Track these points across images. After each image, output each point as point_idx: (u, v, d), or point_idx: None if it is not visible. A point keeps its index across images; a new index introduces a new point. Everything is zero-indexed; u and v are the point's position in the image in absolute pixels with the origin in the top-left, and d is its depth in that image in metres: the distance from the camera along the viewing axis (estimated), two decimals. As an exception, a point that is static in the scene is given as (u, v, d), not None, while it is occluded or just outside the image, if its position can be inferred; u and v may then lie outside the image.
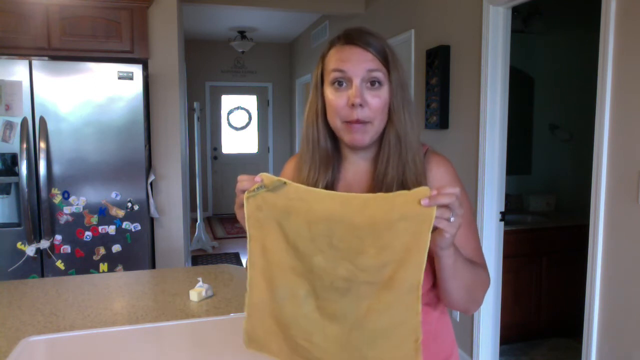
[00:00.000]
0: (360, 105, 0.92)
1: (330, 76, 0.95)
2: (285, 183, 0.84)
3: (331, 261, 0.82)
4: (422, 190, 0.76)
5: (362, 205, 0.79)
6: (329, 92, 0.96)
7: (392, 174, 0.95)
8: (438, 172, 0.99)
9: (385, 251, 0.78)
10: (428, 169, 0.98)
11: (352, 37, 0.95)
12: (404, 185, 0.94)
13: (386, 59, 0.94)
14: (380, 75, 0.93)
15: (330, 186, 1.01)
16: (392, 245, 0.78)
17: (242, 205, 0.87)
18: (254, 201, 0.83)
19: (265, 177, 0.84)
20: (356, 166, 1.03)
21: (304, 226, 0.82)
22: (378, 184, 0.97)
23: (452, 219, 0.78)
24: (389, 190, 0.93)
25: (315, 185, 0.99)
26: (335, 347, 0.84)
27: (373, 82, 0.93)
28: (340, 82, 0.94)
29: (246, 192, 0.85)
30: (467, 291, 0.93)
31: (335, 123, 0.96)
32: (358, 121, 0.93)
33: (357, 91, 0.92)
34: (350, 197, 0.81)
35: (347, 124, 0.94)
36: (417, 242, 0.76)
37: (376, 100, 0.93)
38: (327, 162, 1.01)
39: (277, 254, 0.85)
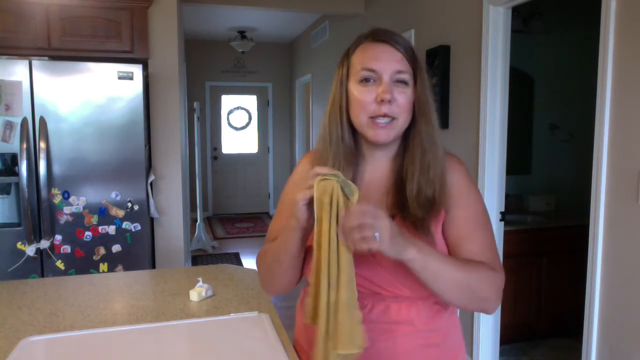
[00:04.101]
0: (389, 101, 0.93)
1: (358, 74, 0.96)
2: (354, 194, 0.85)
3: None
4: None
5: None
6: (355, 89, 0.96)
7: (418, 174, 0.96)
8: (452, 174, 0.99)
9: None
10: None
11: (382, 35, 0.96)
12: (427, 185, 0.95)
13: (414, 60, 0.96)
14: (407, 76, 0.95)
15: (352, 183, 1.02)
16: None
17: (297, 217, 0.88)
18: (323, 184, 0.84)
19: (342, 174, 0.86)
20: (375, 164, 1.03)
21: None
22: (398, 183, 0.98)
23: (376, 235, 0.79)
24: (419, 188, 0.95)
25: None
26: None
27: (400, 81, 0.95)
28: (367, 79, 0.95)
29: (320, 175, 0.85)
30: (464, 291, 0.92)
31: (360, 119, 0.97)
32: (385, 115, 0.94)
33: (387, 87, 0.93)
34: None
35: (372, 120, 0.95)
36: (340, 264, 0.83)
37: (403, 97, 0.95)
38: (351, 159, 1.01)
39: (327, 239, 0.85)
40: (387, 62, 0.94)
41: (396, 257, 0.84)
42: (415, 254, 0.85)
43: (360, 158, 1.03)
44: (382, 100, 0.93)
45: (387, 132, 0.95)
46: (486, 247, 0.99)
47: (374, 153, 1.02)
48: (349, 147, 1.01)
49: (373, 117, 0.95)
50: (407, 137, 1.00)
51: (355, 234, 0.79)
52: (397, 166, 1.01)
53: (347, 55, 1.00)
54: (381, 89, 0.93)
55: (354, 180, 1.02)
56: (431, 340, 0.99)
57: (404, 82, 0.95)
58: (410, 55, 0.96)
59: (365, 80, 0.95)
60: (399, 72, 0.94)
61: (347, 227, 0.80)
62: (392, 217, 0.96)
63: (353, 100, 0.97)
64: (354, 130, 1.00)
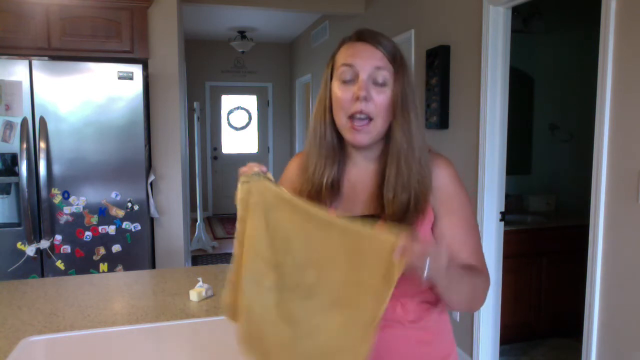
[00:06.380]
0: (365, 98, 0.93)
1: (339, 71, 0.97)
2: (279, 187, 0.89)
3: (301, 264, 0.85)
4: (390, 240, 0.76)
5: (340, 232, 0.81)
6: (336, 88, 0.98)
7: (399, 176, 0.96)
8: (440, 175, 0.99)
9: (354, 274, 0.80)
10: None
11: (364, 35, 0.98)
12: (409, 188, 0.95)
13: (395, 60, 0.96)
14: (386, 74, 0.95)
15: (336, 183, 1.02)
16: (361, 272, 0.79)
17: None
18: (247, 186, 0.89)
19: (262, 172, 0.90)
20: (360, 166, 1.04)
21: (285, 223, 0.86)
22: (382, 185, 0.98)
23: (426, 269, 0.78)
24: (395, 193, 0.95)
25: (320, 180, 1.00)
26: (283, 351, 0.86)
27: (380, 83, 0.95)
28: (349, 80, 0.96)
29: (241, 177, 0.90)
30: (467, 299, 0.95)
31: (340, 119, 0.97)
32: (362, 112, 0.94)
33: (363, 84, 0.94)
34: (328, 223, 0.82)
35: (351, 123, 0.95)
36: (385, 282, 0.77)
37: (381, 97, 0.95)
38: (332, 157, 1.02)
39: (253, 240, 0.88)
40: (366, 59, 0.95)
41: (430, 279, 0.83)
42: (443, 272, 0.85)
43: (347, 158, 1.04)
44: (357, 98, 0.93)
45: (365, 136, 0.96)
46: (476, 251, 1.02)
47: (358, 154, 1.03)
48: (331, 146, 1.01)
49: (351, 117, 0.95)
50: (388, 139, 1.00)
51: (415, 260, 0.78)
52: (380, 167, 1.01)
53: (332, 55, 1.02)
54: (357, 86, 0.94)
55: (340, 180, 1.03)
56: (421, 338, 0.99)
57: (383, 82, 0.95)
58: (392, 56, 0.96)
59: (346, 80, 0.96)
60: (378, 68, 0.94)
61: (410, 251, 0.78)
62: (377, 217, 0.97)
63: (334, 99, 0.98)
64: (337, 130, 1.01)
